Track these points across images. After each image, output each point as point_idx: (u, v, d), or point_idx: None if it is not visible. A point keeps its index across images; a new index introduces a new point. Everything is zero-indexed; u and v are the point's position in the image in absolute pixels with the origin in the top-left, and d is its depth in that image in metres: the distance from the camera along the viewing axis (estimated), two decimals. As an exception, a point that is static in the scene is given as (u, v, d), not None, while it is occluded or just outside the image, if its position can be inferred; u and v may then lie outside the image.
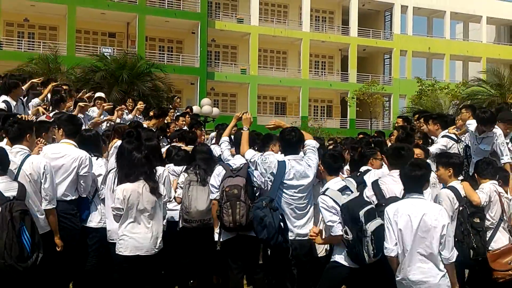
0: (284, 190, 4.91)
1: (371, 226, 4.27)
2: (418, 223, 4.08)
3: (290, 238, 4.83)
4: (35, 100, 8.21)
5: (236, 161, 5.32)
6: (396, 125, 9.33)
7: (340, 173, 5.14)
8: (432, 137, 7.47)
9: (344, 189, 4.61)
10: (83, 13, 31.12)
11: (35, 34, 32.64)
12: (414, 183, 4.26)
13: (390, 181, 4.78)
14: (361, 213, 4.30)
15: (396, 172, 4.73)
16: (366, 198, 4.71)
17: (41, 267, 4.23)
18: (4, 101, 7.25)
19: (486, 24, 44.02)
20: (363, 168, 5.68)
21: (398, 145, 5.20)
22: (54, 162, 4.89)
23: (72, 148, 5.09)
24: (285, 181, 4.90)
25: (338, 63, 41.61)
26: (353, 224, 4.31)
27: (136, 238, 4.61)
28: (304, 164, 4.97)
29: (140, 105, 10.61)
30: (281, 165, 4.89)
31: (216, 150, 6.97)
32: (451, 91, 28.49)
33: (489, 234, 5.18)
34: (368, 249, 4.26)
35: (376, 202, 4.70)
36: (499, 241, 5.18)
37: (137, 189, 4.62)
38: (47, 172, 4.60)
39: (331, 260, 4.65)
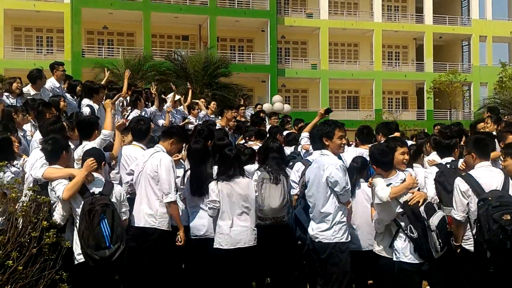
0: None
1: (434, 220, 4.32)
2: None
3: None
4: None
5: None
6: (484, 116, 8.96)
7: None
8: None
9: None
10: (158, 18, 32.33)
11: (113, 41, 34.35)
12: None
13: (486, 174, 4.63)
14: (422, 208, 4.37)
15: (487, 164, 4.68)
16: (460, 191, 4.62)
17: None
18: (88, 105, 7.79)
19: None
20: (448, 159, 5.46)
21: (480, 136, 5.00)
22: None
23: (140, 150, 5.33)
24: None
25: (413, 52, 40.22)
26: (416, 221, 4.37)
27: (234, 232, 5.05)
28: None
29: (213, 105, 10.93)
30: None
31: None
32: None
33: None
34: (435, 244, 4.32)
35: (471, 196, 4.58)
36: None
37: (232, 186, 5.09)
38: (161, 167, 4.87)
39: (395, 260, 4.62)
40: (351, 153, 6.24)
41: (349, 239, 4.71)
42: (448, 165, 5.32)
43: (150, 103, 9.56)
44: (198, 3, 33.62)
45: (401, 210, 4.51)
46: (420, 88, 38.82)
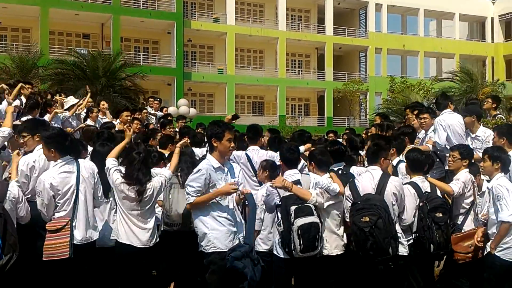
0: None
1: (298, 222, 4.45)
2: None
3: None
4: (4, 103, 8.09)
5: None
6: (374, 122, 9.46)
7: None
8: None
9: (295, 184, 4.73)
10: (56, 15, 30.68)
11: (7, 37, 32.09)
12: None
13: (367, 178, 4.88)
14: (292, 208, 4.51)
15: (374, 168, 4.92)
16: (346, 197, 4.86)
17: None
18: None
19: (458, 21, 44.75)
20: (338, 166, 5.66)
21: (375, 142, 5.26)
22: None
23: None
24: None
25: (315, 61, 41.83)
26: (285, 218, 4.53)
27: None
28: None
29: (103, 105, 10.55)
30: None
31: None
32: (423, 88, 28.77)
33: (461, 218, 5.38)
34: (295, 244, 4.45)
35: (353, 200, 4.79)
36: (470, 225, 5.38)
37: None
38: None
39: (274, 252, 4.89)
40: (262, 156, 6.35)
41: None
42: (340, 171, 5.55)
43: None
44: (100, 1, 32.40)
45: (278, 202, 4.70)
46: (321, 95, 40.42)
